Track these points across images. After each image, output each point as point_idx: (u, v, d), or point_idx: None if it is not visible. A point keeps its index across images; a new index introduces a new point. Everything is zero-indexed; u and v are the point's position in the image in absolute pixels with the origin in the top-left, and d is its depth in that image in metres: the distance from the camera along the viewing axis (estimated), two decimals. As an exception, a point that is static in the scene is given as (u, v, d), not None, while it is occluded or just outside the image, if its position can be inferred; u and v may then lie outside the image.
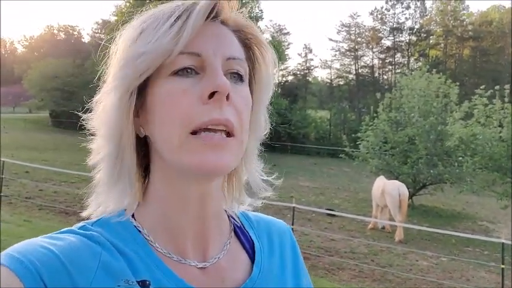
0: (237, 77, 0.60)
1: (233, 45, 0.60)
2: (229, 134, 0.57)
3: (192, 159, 0.55)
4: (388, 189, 10.49)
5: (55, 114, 38.65)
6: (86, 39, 50.98)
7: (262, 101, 0.67)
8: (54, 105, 37.34)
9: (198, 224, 0.64)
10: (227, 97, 0.56)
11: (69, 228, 0.61)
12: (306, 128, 34.43)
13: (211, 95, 0.55)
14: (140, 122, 0.61)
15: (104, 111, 0.60)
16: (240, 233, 0.71)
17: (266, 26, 41.65)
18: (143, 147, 0.64)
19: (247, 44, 0.64)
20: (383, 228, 11.20)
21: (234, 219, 0.73)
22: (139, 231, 0.62)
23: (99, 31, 45.91)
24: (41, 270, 0.51)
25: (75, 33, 52.52)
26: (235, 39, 0.61)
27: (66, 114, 37.41)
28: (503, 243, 6.49)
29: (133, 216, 0.64)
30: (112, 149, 0.60)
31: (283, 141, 28.50)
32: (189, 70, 0.57)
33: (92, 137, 0.63)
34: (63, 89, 36.48)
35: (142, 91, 0.59)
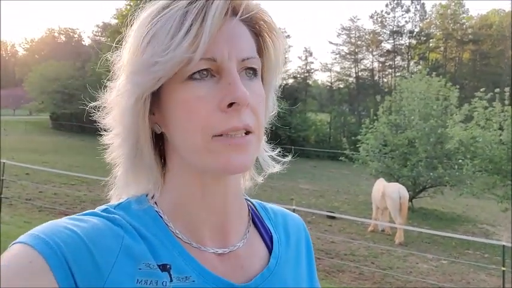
0: (252, 72, 0.61)
1: (247, 45, 0.60)
2: (247, 132, 0.58)
3: (216, 160, 0.57)
4: (388, 191, 10.50)
5: (55, 117, 38.70)
6: (87, 41, 51.15)
7: (271, 86, 0.68)
8: (55, 107, 37.43)
9: (220, 213, 0.65)
10: (247, 104, 0.57)
11: (92, 210, 0.62)
12: (306, 131, 34.50)
13: (230, 104, 0.56)
14: (156, 120, 0.62)
15: (119, 112, 0.61)
16: (258, 222, 0.73)
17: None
18: (158, 141, 0.66)
19: (259, 32, 0.64)
20: (383, 230, 11.21)
21: (253, 208, 0.75)
22: (161, 217, 0.63)
23: (99, 34, 46.09)
24: (65, 251, 0.52)
25: (76, 35, 52.70)
26: (248, 35, 0.61)
27: (67, 116, 37.50)
28: (503, 246, 6.49)
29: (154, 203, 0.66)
30: (130, 149, 0.62)
31: (283, 144, 28.52)
32: (204, 73, 0.57)
33: (105, 133, 0.65)
34: (63, 91, 36.58)
35: (157, 92, 0.59)
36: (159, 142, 0.66)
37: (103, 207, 0.63)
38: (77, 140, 29.69)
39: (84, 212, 0.61)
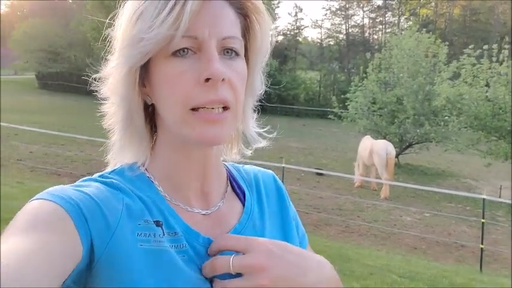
0: (232, 52, 0.65)
1: (229, 23, 0.64)
2: (225, 108, 0.63)
3: (192, 132, 0.63)
4: (376, 148, 10.69)
5: (41, 76, 37.85)
6: (70, -2, 49.20)
7: (257, 65, 0.72)
8: (40, 66, 36.49)
9: (201, 179, 0.73)
10: (222, 79, 0.62)
11: (89, 177, 0.69)
12: (296, 90, 34.30)
13: (207, 79, 0.61)
14: (146, 92, 0.68)
15: (113, 82, 0.67)
16: (233, 182, 0.81)
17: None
18: (152, 112, 0.73)
19: (245, 12, 0.68)
20: (359, 186, 11.52)
21: (229, 170, 0.83)
22: (152, 181, 0.71)
23: (82, -11, 44.34)
24: (82, 206, 0.58)
25: (58, -9, 50.63)
26: (231, 15, 0.65)
27: (53, 75, 36.67)
28: (484, 199, 6.76)
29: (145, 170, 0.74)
30: (123, 115, 0.68)
31: (273, 103, 28.48)
32: (185, 50, 0.62)
33: (104, 102, 0.72)
34: (48, 49, 35.55)
35: (146, 65, 0.65)
36: (152, 114, 0.72)
37: (98, 174, 0.70)
38: (64, 99, 29.26)
39: (83, 179, 0.68)
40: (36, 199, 0.59)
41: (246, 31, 0.69)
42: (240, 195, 0.79)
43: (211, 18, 0.62)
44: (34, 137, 12.92)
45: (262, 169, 0.90)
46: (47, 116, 19.84)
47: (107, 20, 0.69)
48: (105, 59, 0.69)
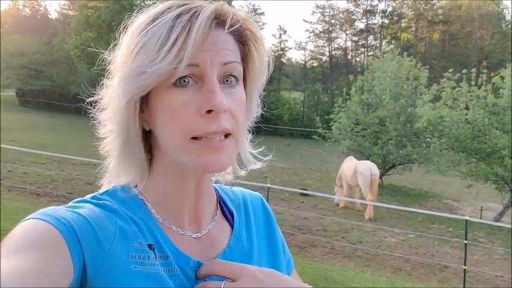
0: (232, 79, 0.65)
1: (230, 51, 0.65)
2: (226, 135, 0.64)
3: (193, 160, 0.63)
4: (360, 168, 10.76)
5: (22, 93, 37.32)
6: (53, 15, 49.14)
7: (255, 91, 0.74)
8: (21, 83, 36.05)
9: (194, 200, 0.73)
10: (224, 111, 0.62)
11: (81, 198, 0.69)
12: (280, 110, 34.57)
13: (209, 111, 0.61)
14: (145, 118, 0.68)
15: (113, 111, 0.67)
16: (223, 204, 0.81)
17: (240, 5, 41.11)
18: (147, 136, 0.72)
19: (244, 40, 0.69)
20: (337, 205, 11.55)
21: (218, 191, 0.82)
22: (145, 204, 0.71)
23: (67, 7, 44.32)
24: (75, 227, 0.58)
25: (41, 9, 50.49)
26: (231, 41, 0.66)
27: (34, 93, 36.22)
28: (466, 220, 6.82)
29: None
30: (122, 144, 0.68)
31: (257, 123, 28.45)
32: (187, 80, 0.62)
33: (99, 125, 0.71)
34: (29, 66, 35.22)
35: (146, 94, 0.65)
36: (148, 137, 0.72)
37: (90, 195, 0.70)
38: (45, 117, 28.84)
39: (75, 200, 0.68)
40: (30, 219, 0.59)
41: (245, 58, 0.70)
42: (229, 217, 0.79)
43: (212, 46, 0.62)
44: (13, 155, 12.63)
45: (250, 191, 0.89)
46: (27, 133, 19.48)
47: (109, 49, 0.69)
48: (101, 83, 0.69)
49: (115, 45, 0.68)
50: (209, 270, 0.67)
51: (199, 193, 0.73)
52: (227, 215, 0.80)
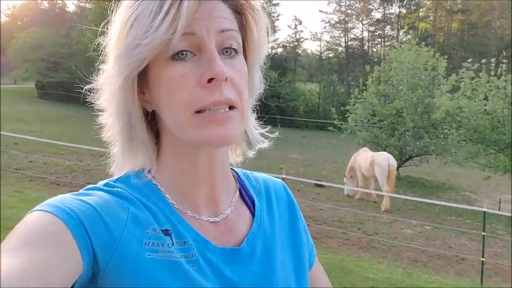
0: (231, 51, 0.63)
1: (225, 18, 0.62)
2: (231, 107, 0.61)
3: (199, 134, 0.61)
4: (377, 160, 10.69)
5: (41, 85, 37.88)
6: (71, 8, 49.66)
7: (256, 64, 0.71)
8: (40, 76, 36.54)
9: (208, 184, 0.70)
10: (225, 78, 0.60)
11: (93, 185, 0.67)
12: (295, 101, 34.42)
13: (210, 80, 0.59)
14: (146, 99, 0.66)
15: (110, 93, 0.64)
16: (242, 190, 0.78)
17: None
18: (152, 119, 0.70)
19: (240, 10, 0.66)
20: (348, 196, 11.51)
21: (238, 176, 0.80)
22: (158, 189, 0.68)
23: (84, 0, 44.70)
24: (82, 218, 0.57)
25: (59, 2, 51.01)
26: (226, 10, 0.63)
27: (52, 85, 36.71)
28: (484, 212, 6.74)
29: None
30: (123, 126, 0.66)
31: (272, 114, 28.55)
32: (184, 53, 0.60)
33: (100, 113, 0.69)
34: (48, 59, 35.62)
35: (144, 71, 0.62)
36: (153, 120, 0.69)
37: (104, 182, 0.68)
38: (64, 109, 29.27)
39: (86, 187, 0.66)
40: (36, 210, 0.57)
41: (243, 29, 0.67)
42: (249, 202, 0.77)
43: (207, 14, 0.60)
44: (33, 146, 12.89)
45: (272, 177, 0.88)
46: (47, 125, 19.82)
47: (100, 28, 0.67)
48: (98, 68, 0.67)
49: (105, 26, 0.66)
50: None
51: (213, 176, 0.70)
52: (247, 200, 0.77)
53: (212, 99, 0.59)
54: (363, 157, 11.27)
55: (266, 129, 0.77)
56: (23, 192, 8.06)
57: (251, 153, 0.78)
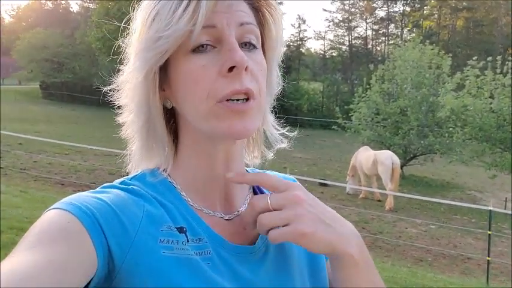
0: (250, 45, 0.64)
1: (244, 12, 0.64)
2: (248, 99, 0.62)
3: (220, 125, 0.61)
4: (380, 158, 10.64)
5: (45, 86, 38.13)
6: (75, 8, 49.84)
7: (274, 60, 0.71)
8: (44, 76, 36.80)
9: (224, 181, 0.70)
10: (245, 68, 0.61)
11: (109, 183, 0.68)
12: (299, 100, 34.39)
13: (231, 69, 0.60)
14: (166, 95, 0.66)
15: (131, 89, 0.65)
16: (256, 187, 0.78)
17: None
18: (171, 117, 0.71)
19: (257, 7, 0.67)
20: (349, 194, 11.51)
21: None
22: (174, 187, 0.69)
23: (88, 0, 44.87)
24: (97, 214, 0.57)
25: (63, 2, 51.26)
26: (245, 5, 0.65)
27: (57, 85, 36.95)
28: (490, 211, 6.70)
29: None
30: (143, 123, 0.66)
31: (276, 113, 28.38)
32: (205, 46, 0.61)
33: (120, 112, 0.70)
34: (52, 59, 35.87)
35: (164, 67, 0.64)
36: (171, 119, 0.71)
37: (120, 180, 0.69)
38: (68, 109, 29.39)
39: (102, 185, 0.67)
40: (53, 209, 0.58)
41: (260, 26, 0.68)
42: None
43: (227, 7, 0.62)
44: (38, 146, 12.95)
45: (284, 175, 0.87)
46: (51, 125, 19.92)
47: (122, 24, 0.67)
48: (118, 69, 0.68)
49: (127, 23, 0.67)
50: (256, 178, 0.68)
51: (229, 172, 0.70)
52: None
53: (232, 88, 0.60)
54: (364, 156, 11.24)
55: (286, 129, 0.77)
56: (28, 192, 8.09)
57: (270, 155, 0.78)
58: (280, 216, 0.62)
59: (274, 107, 0.77)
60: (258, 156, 0.78)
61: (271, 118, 0.76)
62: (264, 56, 0.68)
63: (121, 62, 0.67)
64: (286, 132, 0.77)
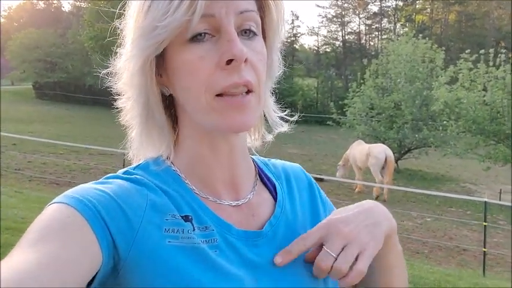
0: (250, 32, 0.62)
1: (245, 0, 0.62)
2: (248, 91, 0.61)
3: (220, 119, 0.61)
4: (374, 151, 10.69)
5: (38, 86, 37.87)
6: (66, 8, 49.52)
7: (274, 45, 0.70)
8: (37, 76, 36.55)
9: (228, 171, 0.70)
10: (244, 61, 0.59)
11: (113, 174, 0.67)
12: (293, 96, 34.39)
13: (229, 61, 0.58)
14: (164, 82, 0.65)
15: (129, 76, 0.64)
16: (262, 175, 0.77)
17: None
18: (170, 104, 0.70)
19: None
20: (359, 191, 11.56)
21: (257, 163, 0.80)
22: (178, 175, 0.68)
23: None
24: (99, 207, 0.56)
25: (55, 2, 50.90)
26: None
27: (50, 85, 36.70)
28: (485, 202, 6.74)
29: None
30: (141, 110, 0.66)
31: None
32: (203, 34, 0.59)
33: (119, 98, 0.69)
34: (45, 59, 35.64)
35: (162, 54, 0.62)
36: (171, 105, 0.70)
37: (123, 170, 0.68)
38: (62, 109, 29.22)
39: (106, 176, 0.66)
40: (54, 203, 0.57)
41: (261, 11, 0.66)
42: (270, 187, 0.76)
43: None
44: (32, 146, 12.88)
45: (290, 163, 0.87)
46: (45, 125, 19.81)
47: (117, 10, 0.66)
48: (116, 52, 0.66)
49: (122, 8, 0.65)
50: (292, 252, 0.66)
51: (233, 163, 0.70)
52: (268, 185, 0.76)
53: (231, 81, 0.59)
54: (358, 149, 11.30)
55: (285, 113, 0.76)
56: (23, 192, 8.05)
57: (270, 137, 0.77)
58: (346, 259, 0.64)
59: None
60: (259, 139, 0.78)
61: (271, 102, 0.75)
62: (265, 41, 0.67)
63: (119, 46, 0.66)
64: (285, 117, 0.76)
